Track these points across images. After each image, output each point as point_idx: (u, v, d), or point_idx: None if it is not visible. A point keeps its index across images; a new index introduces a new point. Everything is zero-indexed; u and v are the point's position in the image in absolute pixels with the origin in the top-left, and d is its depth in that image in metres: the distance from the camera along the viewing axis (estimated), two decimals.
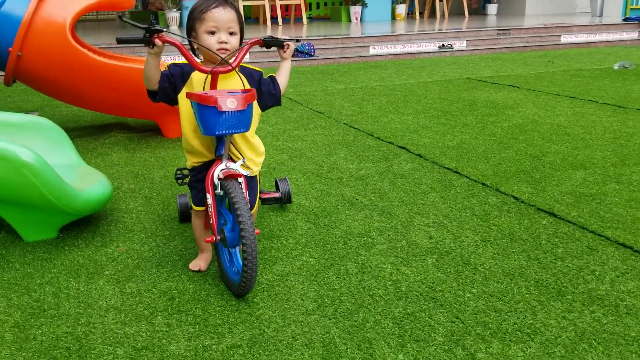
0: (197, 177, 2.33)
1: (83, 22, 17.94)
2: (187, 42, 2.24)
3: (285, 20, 15.48)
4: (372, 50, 10.30)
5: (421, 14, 17.31)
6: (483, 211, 2.98)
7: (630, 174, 3.50)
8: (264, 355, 1.82)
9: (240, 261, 2.14)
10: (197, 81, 2.19)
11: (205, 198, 2.24)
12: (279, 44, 2.28)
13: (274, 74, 2.39)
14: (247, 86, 2.20)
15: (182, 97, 2.24)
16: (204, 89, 2.13)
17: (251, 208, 2.30)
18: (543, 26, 12.08)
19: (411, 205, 3.09)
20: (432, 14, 16.71)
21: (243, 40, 2.25)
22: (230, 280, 2.18)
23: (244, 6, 13.83)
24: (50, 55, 4.03)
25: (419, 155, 4.02)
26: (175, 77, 2.23)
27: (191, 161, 2.35)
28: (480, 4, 18.75)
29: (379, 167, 3.78)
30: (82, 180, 2.80)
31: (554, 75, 7.64)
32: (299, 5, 14.27)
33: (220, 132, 2.04)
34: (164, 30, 2.03)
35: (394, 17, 15.90)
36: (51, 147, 2.95)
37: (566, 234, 2.67)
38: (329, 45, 10.20)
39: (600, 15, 15.11)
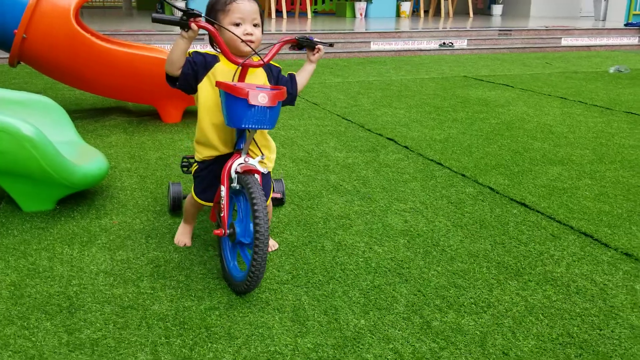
0: (206, 169, 2.30)
1: (90, 9, 18.10)
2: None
3: (291, 13, 15.62)
4: (374, 46, 10.45)
5: (426, 12, 17.42)
6: (459, 200, 3.14)
7: (605, 171, 3.66)
8: (238, 316, 1.99)
9: (247, 257, 2.11)
10: (222, 72, 2.17)
11: (208, 193, 2.28)
12: (311, 47, 2.27)
13: (294, 72, 2.37)
14: (264, 83, 2.20)
15: (202, 86, 2.19)
16: (233, 81, 2.11)
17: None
18: (544, 28, 12.20)
19: (391, 192, 3.25)
20: (438, 13, 16.82)
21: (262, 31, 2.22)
22: (231, 277, 2.14)
23: None
24: (54, 38, 4.19)
25: (406, 147, 4.18)
26: (199, 66, 2.18)
27: (202, 154, 2.29)
28: (485, 4, 18.85)
29: (366, 156, 3.94)
30: (80, 156, 2.97)
31: (550, 76, 7.78)
32: None
33: (247, 126, 2.01)
34: (202, 15, 2.03)
35: (398, 14, 16.02)
36: (52, 124, 3.12)
37: (533, 222, 2.83)
38: (331, 40, 10.34)
39: (604, 20, 15.20)
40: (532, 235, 2.68)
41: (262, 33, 2.20)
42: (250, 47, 2.10)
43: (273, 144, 2.40)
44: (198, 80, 2.19)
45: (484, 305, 2.07)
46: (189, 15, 1.96)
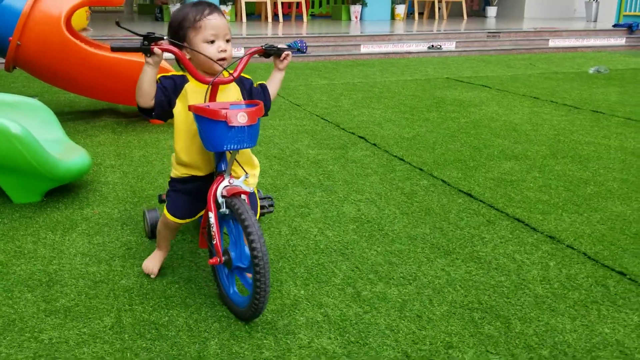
0: (185, 189, 2.24)
1: (92, 13, 18.43)
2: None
3: (287, 17, 15.94)
4: (363, 49, 10.75)
5: (421, 14, 17.70)
6: (412, 191, 3.43)
7: (554, 165, 3.94)
8: (195, 289, 2.28)
9: (247, 281, 2.04)
10: (192, 92, 2.11)
11: (188, 211, 2.23)
12: (278, 54, 2.23)
13: (264, 82, 2.33)
14: (238, 97, 2.19)
15: (176, 110, 2.13)
16: (205, 100, 2.05)
17: None
18: (533, 30, 12.47)
19: (352, 184, 3.55)
20: (433, 15, 17.09)
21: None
22: (234, 304, 2.07)
23: (246, 3, 14.32)
24: (46, 45, 4.51)
25: (374, 145, 4.47)
26: (169, 90, 2.11)
27: (181, 172, 2.23)
28: (481, 6, 19.12)
29: (335, 153, 4.24)
30: (65, 153, 3.28)
31: (529, 77, 8.07)
32: (301, 3, 14.72)
33: (229, 148, 1.95)
34: (164, 37, 1.97)
35: (393, 16, 16.31)
36: (40, 124, 3.43)
37: (474, 210, 3.13)
38: (322, 43, 10.65)
39: (595, 21, 15.45)
40: (470, 221, 2.97)
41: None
42: (219, 65, 2.05)
43: (255, 160, 2.39)
44: (172, 105, 2.12)
45: (411, 279, 2.37)
46: (150, 39, 1.93)
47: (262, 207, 2.68)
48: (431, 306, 2.17)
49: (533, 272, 2.43)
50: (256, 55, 2.20)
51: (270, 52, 2.21)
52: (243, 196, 2.02)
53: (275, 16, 14.79)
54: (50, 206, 3.13)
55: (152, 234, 2.69)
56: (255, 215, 2.15)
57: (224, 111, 1.90)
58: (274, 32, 11.55)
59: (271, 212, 2.77)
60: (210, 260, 2.03)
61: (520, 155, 4.16)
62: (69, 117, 5.19)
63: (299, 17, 15.26)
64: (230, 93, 2.17)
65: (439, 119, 5.37)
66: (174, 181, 2.26)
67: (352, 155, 4.17)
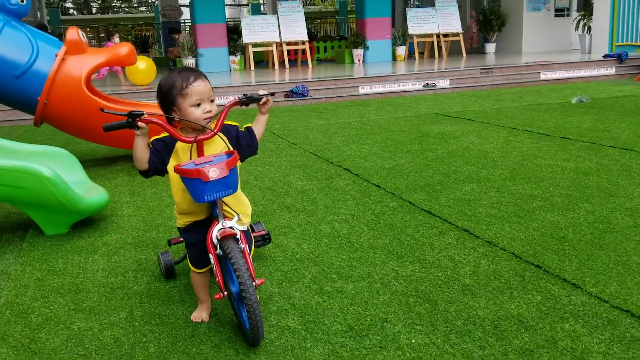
0: (191, 239, 2.48)
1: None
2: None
3: (294, 63, 16.80)
4: (362, 90, 11.45)
5: (422, 54, 18.46)
6: (381, 211, 4.02)
7: (511, 185, 4.50)
8: (191, 291, 2.87)
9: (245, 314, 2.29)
10: (182, 149, 2.35)
11: (203, 260, 2.44)
12: (255, 100, 2.43)
13: (250, 125, 2.53)
14: (229, 145, 2.39)
15: (170, 168, 2.35)
16: (190, 157, 2.29)
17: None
18: (525, 64, 13.11)
19: (331, 208, 4.14)
20: (433, 54, 17.82)
21: None
22: (244, 328, 2.32)
23: (254, 52, 15.20)
24: (69, 102, 5.22)
25: (356, 175, 5.07)
26: (161, 151, 2.35)
27: (183, 220, 2.48)
28: (480, 43, 19.83)
29: (321, 183, 4.84)
30: (87, 191, 3.92)
31: (513, 109, 8.66)
32: (306, 49, 15.58)
33: (209, 199, 2.18)
34: (144, 113, 2.22)
35: (395, 57, 17.07)
36: (66, 169, 4.09)
37: (430, 224, 3.70)
38: (323, 87, 11.38)
39: (590, 52, 16.04)
40: (424, 233, 3.54)
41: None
42: (200, 125, 2.30)
43: (246, 201, 2.59)
44: (165, 163, 2.36)
45: (365, 277, 2.94)
46: (133, 116, 2.20)
47: (256, 241, 3.06)
48: (377, 295, 2.73)
49: (466, 268, 2.99)
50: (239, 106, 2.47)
51: (246, 102, 2.40)
52: (238, 235, 2.29)
53: (282, 62, 15.62)
54: (76, 235, 3.77)
55: (167, 274, 2.99)
56: (250, 249, 2.46)
57: (196, 170, 2.14)
58: (281, 78, 12.30)
59: (267, 244, 3.17)
60: (215, 296, 2.31)
61: (483, 179, 4.73)
62: (91, 164, 5.87)
63: (305, 62, 16.08)
64: (216, 145, 2.39)
65: (419, 150, 5.97)
66: (181, 232, 2.54)
67: (336, 185, 4.77)
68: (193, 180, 2.16)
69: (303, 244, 3.46)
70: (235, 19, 24.40)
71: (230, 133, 2.47)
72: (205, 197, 2.18)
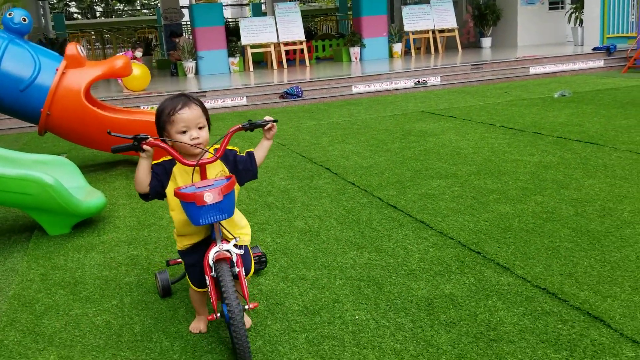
0: (191, 261, 2.53)
1: None
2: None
3: (292, 62, 17.20)
4: (355, 89, 11.84)
5: (419, 49, 18.79)
6: (351, 207, 4.43)
7: (475, 180, 4.90)
8: (176, 285, 3.29)
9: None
10: (180, 173, 2.42)
11: (204, 280, 2.45)
12: (260, 126, 2.48)
13: (252, 150, 2.58)
14: (222, 170, 2.47)
15: (169, 191, 2.42)
16: (192, 181, 2.36)
17: (247, 272, 2.54)
18: (514, 59, 13.44)
19: (307, 205, 4.56)
20: (430, 50, 18.13)
21: (209, 127, 2.47)
22: (234, 350, 2.38)
23: (252, 53, 15.61)
24: (70, 112, 5.66)
25: (336, 174, 5.48)
26: (161, 175, 2.43)
27: (183, 243, 2.54)
28: (477, 37, 20.13)
29: (302, 182, 5.26)
30: (86, 195, 4.36)
31: (496, 105, 9.03)
32: (304, 49, 15.99)
33: (205, 222, 2.24)
34: (149, 137, 2.32)
35: (391, 54, 17.43)
36: (67, 175, 4.52)
37: (393, 218, 4.10)
38: (317, 87, 11.78)
39: (582, 45, 16.32)
40: (386, 226, 3.95)
41: (209, 130, 2.48)
42: (200, 148, 2.38)
43: (244, 222, 2.62)
44: (164, 187, 2.44)
45: (326, 265, 3.36)
46: (139, 140, 2.30)
47: (256, 264, 3.16)
48: (334, 280, 3.15)
49: (415, 255, 3.40)
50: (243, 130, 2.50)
51: (250, 129, 2.46)
52: (235, 257, 2.39)
53: (281, 62, 16.01)
54: (76, 235, 4.21)
55: (163, 293, 3.07)
56: (249, 269, 2.55)
57: (192, 194, 2.22)
58: (280, 79, 12.70)
59: (262, 267, 3.30)
60: (208, 317, 2.41)
61: (451, 175, 5.12)
62: (91, 169, 6.32)
63: (303, 61, 16.47)
64: (214, 168, 2.45)
65: (398, 148, 6.37)
66: (181, 254, 2.61)
67: (315, 184, 5.19)
68: (189, 204, 2.23)
69: (277, 238, 3.88)
70: (237, 19, 24.77)
71: (228, 157, 2.52)
72: (200, 221, 2.25)
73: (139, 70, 11.20)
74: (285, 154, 6.52)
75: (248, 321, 2.69)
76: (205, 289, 2.51)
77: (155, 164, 2.47)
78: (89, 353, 2.60)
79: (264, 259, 3.29)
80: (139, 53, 12.33)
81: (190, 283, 2.58)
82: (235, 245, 2.42)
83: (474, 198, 4.40)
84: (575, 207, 4.02)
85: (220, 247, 2.38)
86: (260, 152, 2.59)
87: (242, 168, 2.54)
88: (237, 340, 2.22)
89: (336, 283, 3.12)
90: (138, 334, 2.74)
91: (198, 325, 2.70)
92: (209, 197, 2.21)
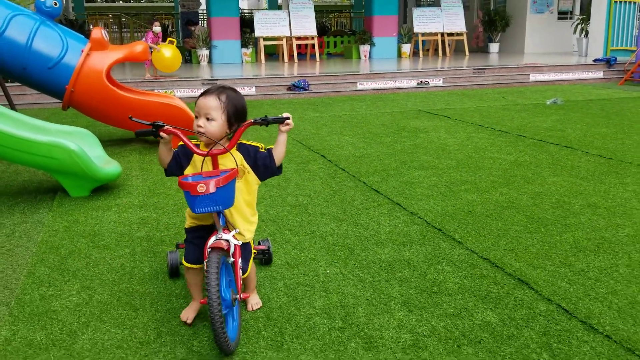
0: (194, 237, 2.63)
1: None
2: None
3: (303, 56, 17.74)
4: (360, 86, 12.37)
5: (428, 50, 19.27)
6: (339, 189, 4.98)
7: (452, 173, 5.44)
8: (178, 239, 3.86)
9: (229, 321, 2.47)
10: (198, 160, 2.54)
11: (193, 255, 2.59)
12: (271, 122, 2.50)
13: (272, 147, 2.64)
14: (241, 164, 2.55)
15: (187, 172, 2.55)
16: (201, 169, 2.46)
17: (244, 272, 2.62)
18: (516, 66, 13.93)
19: (300, 185, 5.12)
20: (438, 53, 18.60)
21: (236, 123, 2.52)
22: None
23: (265, 45, 16.16)
24: (92, 91, 6.24)
25: (330, 161, 6.04)
26: (182, 157, 2.56)
27: (190, 222, 2.66)
28: (485, 42, 20.58)
29: (298, 166, 5.82)
30: (105, 164, 4.94)
31: (490, 108, 9.55)
32: (316, 43, 16.52)
33: (199, 211, 2.34)
34: (165, 125, 2.43)
35: (400, 54, 17.92)
36: (88, 145, 5.10)
37: (373, 199, 4.66)
38: (324, 81, 12.33)
39: (586, 55, 16.77)
40: (366, 205, 4.51)
41: (233, 124, 2.52)
42: (205, 137, 2.47)
43: (252, 217, 2.71)
44: (183, 168, 2.57)
45: (309, 233, 3.91)
46: (157, 127, 2.42)
47: (256, 256, 3.22)
48: (313, 244, 3.72)
49: (386, 229, 3.96)
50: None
51: (263, 123, 2.49)
52: (232, 248, 2.46)
53: (292, 55, 16.55)
54: (95, 197, 4.79)
55: (171, 272, 3.19)
56: (247, 263, 2.65)
57: (187, 182, 2.32)
58: (289, 72, 13.23)
59: (266, 262, 3.38)
60: (201, 301, 2.53)
61: (432, 167, 5.67)
62: (108, 144, 6.89)
63: (314, 56, 17.00)
64: (227, 161, 2.52)
65: (390, 142, 6.91)
66: (186, 231, 2.70)
67: (310, 168, 5.74)
68: (186, 192, 2.33)
69: (270, 210, 4.44)
70: (252, 11, 25.31)
71: (250, 153, 2.59)
72: (195, 209, 2.34)
73: (170, 52, 11.52)
74: (287, 141, 7.06)
75: (257, 303, 2.83)
76: (191, 265, 2.61)
77: (181, 144, 2.56)
78: (106, 285, 3.17)
79: (268, 255, 3.36)
80: (156, 28, 12.10)
81: (182, 260, 2.69)
82: (236, 236, 2.50)
83: (448, 187, 4.95)
84: (534, 199, 4.56)
85: (219, 236, 2.45)
86: (278, 148, 2.62)
87: (262, 164, 2.60)
88: (213, 327, 2.25)
89: (315, 246, 3.68)
90: (147, 274, 3.31)
91: (187, 313, 2.72)
92: (202, 188, 2.28)
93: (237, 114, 2.53)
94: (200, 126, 2.49)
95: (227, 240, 2.46)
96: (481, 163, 5.78)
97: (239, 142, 2.56)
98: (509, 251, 3.54)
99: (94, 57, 6.34)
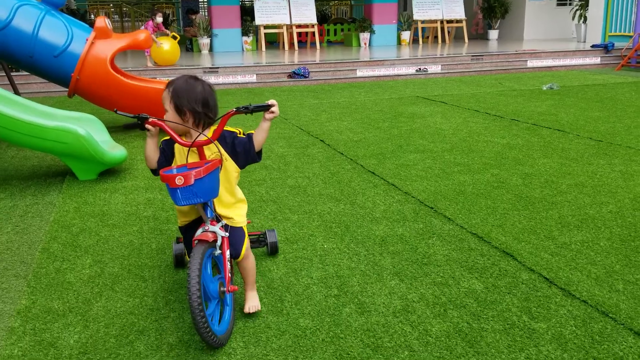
0: (187, 238, 2.66)
1: None
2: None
3: (303, 44, 17.88)
4: (359, 73, 12.53)
5: (427, 38, 19.39)
6: (337, 171, 5.18)
7: (447, 155, 5.63)
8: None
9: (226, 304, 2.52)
10: (178, 152, 2.51)
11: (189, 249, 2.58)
12: (253, 111, 2.39)
13: (252, 132, 2.55)
14: (223, 152, 2.50)
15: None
16: (186, 160, 2.42)
17: (237, 257, 2.60)
18: (514, 52, 14.07)
19: (299, 168, 5.31)
20: (437, 39, 18.74)
21: (189, 112, 2.43)
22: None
23: (265, 33, 16.29)
24: (96, 78, 6.42)
25: (328, 145, 6.23)
26: (167, 151, 2.54)
27: (181, 220, 2.67)
28: (485, 29, 20.69)
29: (298, 150, 6.01)
30: (111, 148, 5.13)
31: (486, 94, 9.72)
32: (316, 31, 16.65)
33: (180, 204, 2.31)
34: (149, 117, 2.40)
35: (400, 42, 18.05)
36: (95, 130, 5.29)
37: (370, 180, 4.85)
38: (324, 69, 12.48)
39: (584, 41, 16.87)
40: (363, 186, 4.70)
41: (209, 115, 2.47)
42: (193, 129, 2.44)
43: (239, 203, 2.67)
44: (170, 162, 2.56)
45: (308, 212, 4.11)
46: (141, 119, 2.40)
47: (252, 242, 3.20)
48: (312, 222, 3.91)
49: (381, 208, 4.16)
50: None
51: (244, 113, 2.40)
52: (219, 240, 2.44)
53: (292, 43, 16.70)
54: (102, 180, 4.99)
55: (176, 263, 3.19)
56: (239, 250, 2.58)
57: (166, 175, 2.26)
58: (290, 60, 13.38)
59: (262, 246, 3.33)
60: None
61: (427, 150, 5.86)
62: (113, 130, 7.07)
63: (314, 43, 17.13)
64: (209, 150, 2.49)
65: (388, 127, 7.09)
66: (180, 230, 2.74)
67: (309, 152, 5.93)
68: (167, 186, 2.28)
69: (270, 191, 4.64)
70: (250, 0, 25.39)
71: (226, 139, 2.53)
72: (177, 202, 2.30)
73: (168, 45, 11.68)
74: (286, 127, 7.26)
75: (256, 306, 2.70)
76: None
77: (165, 140, 2.55)
78: (116, 259, 3.38)
79: (264, 242, 3.31)
80: (159, 18, 12.07)
81: (186, 257, 2.75)
82: (225, 227, 2.50)
83: (441, 169, 5.14)
84: (523, 179, 4.75)
85: (206, 227, 2.43)
86: (258, 135, 2.53)
87: (241, 150, 2.53)
88: (194, 322, 2.22)
89: (313, 224, 3.88)
90: (154, 249, 3.52)
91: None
92: (180, 181, 2.23)
93: (186, 103, 2.42)
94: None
95: (214, 232, 2.43)
96: (475, 146, 5.96)
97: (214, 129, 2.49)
98: (497, 227, 3.74)
99: (98, 46, 6.51)
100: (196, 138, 2.42)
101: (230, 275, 2.55)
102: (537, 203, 4.17)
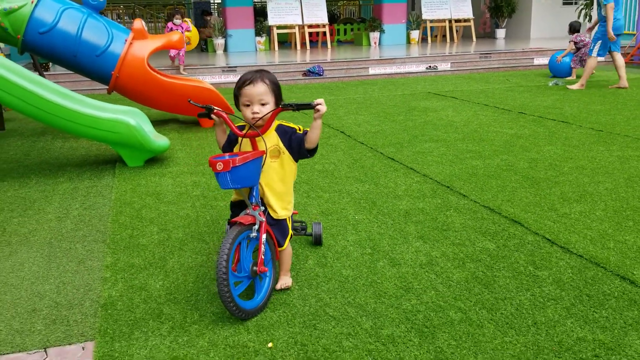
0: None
1: None
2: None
3: (314, 44, 18.42)
4: (371, 71, 13.06)
5: (436, 37, 19.89)
6: (359, 158, 5.72)
7: (459, 144, 6.16)
8: (229, 195, 4.61)
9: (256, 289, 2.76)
10: (243, 142, 2.74)
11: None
12: (299, 108, 2.59)
13: (308, 129, 2.78)
14: (276, 144, 2.73)
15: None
16: (239, 149, 2.70)
17: (281, 245, 2.84)
18: (521, 50, 14.56)
19: (325, 156, 5.85)
20: (446, 38, 19.21)
21: (280, 101, 2.70)
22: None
23: (278, 33, 16.84)
24: (135, 76, 6.98)
25: (349, 136, 6.77)
26: (232, 139, 2.82)
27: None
28: (492, 28, 21.15)
29: (321, 141, 6.54)
30: (155, 138, 5.69)
31: (495, 90, 10.23)
32: (327, 31, 17.18)
33: (223, 187, 2.52)
34: (215, 108, 2.69)
35: (409, 41, 18.55)
36: (141, 122, 5.85)
37: (391, 166, 5.38)
38: (337, 67, 13.02)
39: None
40: (384, 170, 5.23)
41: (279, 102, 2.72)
42: (251, 123, 2.65)
43: (287, 197, 2.87)
44: (232, 148, 2.82)
45: (337, 191, 4.65)
46: (209, 110, 2.70)
47: (295, 230, 3.43)
48: (342, 199, 4.45)
49: (402, 187, 4.69)
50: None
51: (292, 109, 2.61)
52: (257, 224, 2.65)
53: (304, 43, 17.24)
54: (148, 167, 5.55)
55: None
56: (284, 240, 2.84)
57: (210, 161, 2.50)
58: (302, 59, 13.93)
59: (304, 234, 3.57)
60: (232, 267, 2.64)
61: (441, 140, 6.39)
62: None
63: (325, 43, 17.68)
64: (269, 141, 2.72)
65: (403, 120, 7.63)
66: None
67: (332, 142, 6.48)
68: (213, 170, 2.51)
69: (302, 174, 5.18)
70: (263, 1, 25.95)
71: (286, 134, 2.77)
72: (220, 186, 2.53)
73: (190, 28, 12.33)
74: (307, 119, 7.80)
75: (285, 283, 2.94)
76: None
77: (239, 125, 2.80)
78: (179, 228, 3.93)
79: (303, 231, 3.56)
80: (177, 20, 12.25)
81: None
82: (264, 213, 2.70)
83: (455, 155, 5.67)
84: (529, 163, 5.28)
85: (247, 211, 2.68)
86: (312, 132, 2.71)
87: (295, 145, 2.76)
88: (219, 292, 2.48)
89: (343, 200, 4.43)
90: (209, 220, 4.07)
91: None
92: (220, 167, 2.46)
93: (279, 93, 2.72)
94: (257, 112, 2.63)
95: (254, 216, 2.64)
96: (485, 136, 6.48)
97: (279, 123, 2.76)
98: (506, 201, 4.27)
99: (136, 46, 7.07)
100: (247, 130, 2.68)
101: (263, 257, 2.70)
102: (542, 182, 4.70)
